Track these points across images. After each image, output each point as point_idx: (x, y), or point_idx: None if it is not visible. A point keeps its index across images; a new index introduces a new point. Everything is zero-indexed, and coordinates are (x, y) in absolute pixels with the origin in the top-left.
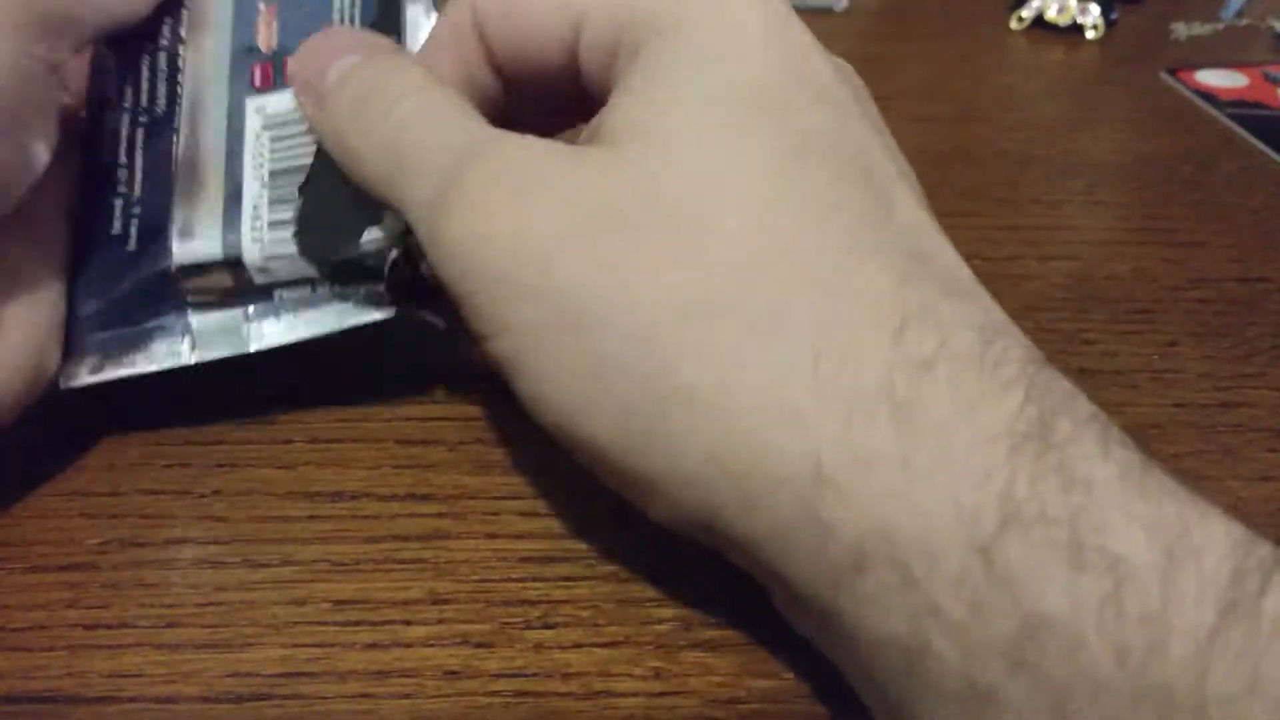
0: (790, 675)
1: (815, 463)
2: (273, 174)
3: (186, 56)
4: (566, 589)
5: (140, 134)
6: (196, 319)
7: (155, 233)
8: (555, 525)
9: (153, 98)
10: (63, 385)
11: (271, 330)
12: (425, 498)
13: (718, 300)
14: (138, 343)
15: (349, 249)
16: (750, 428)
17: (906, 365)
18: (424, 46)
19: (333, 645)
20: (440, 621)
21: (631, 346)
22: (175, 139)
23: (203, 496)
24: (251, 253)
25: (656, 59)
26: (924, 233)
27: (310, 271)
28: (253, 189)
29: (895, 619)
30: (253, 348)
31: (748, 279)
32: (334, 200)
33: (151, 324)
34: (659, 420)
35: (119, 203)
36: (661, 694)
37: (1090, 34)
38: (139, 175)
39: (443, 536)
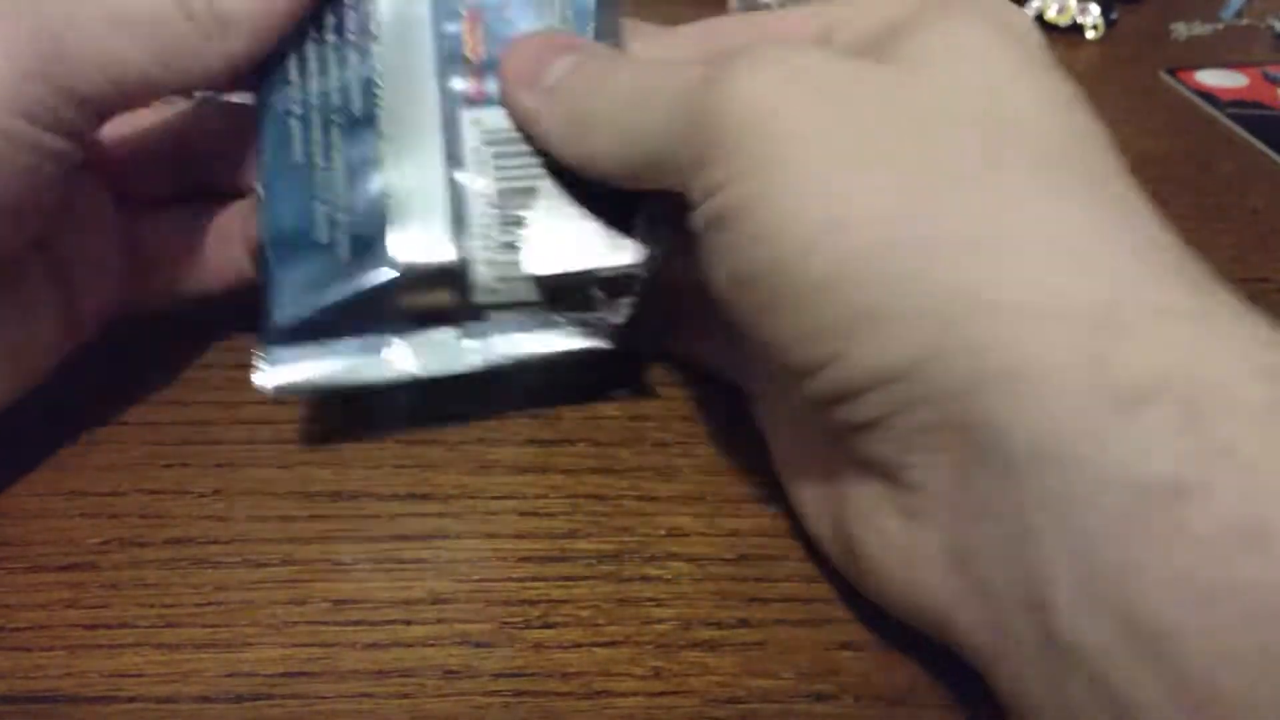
0: (789, 675)
1: (1106, 302)
2: (501, 193)
3: (380, 55)
4: (566, 589)
5: (336, 135)
6: (410, 335)
7: (370, 244)
8: (555, 525)
9: (345, 97)
10: (273, 390)
11: (485, 350)
12: (425, 497)
13: (997, 155)
14: (349, 353)
15: (587, 274)
16: (1027, 266)
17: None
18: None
19: (333, 645)
20: (440, 621)
21: (892, 194)
22: (378, 144)
23: (202, 496)
24: (483, 273)
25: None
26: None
27: (535, 296)
28: (479, 207)
29: (1163, 459)
30: (464, 367)
31: (1037, 151)
32: (568, 225)
33: (364, 337)
34: (909, 256)
35: (322, 208)
36: (660, 694)
37: (1090, 34)
38: (341, 180)
39: (442, 536)
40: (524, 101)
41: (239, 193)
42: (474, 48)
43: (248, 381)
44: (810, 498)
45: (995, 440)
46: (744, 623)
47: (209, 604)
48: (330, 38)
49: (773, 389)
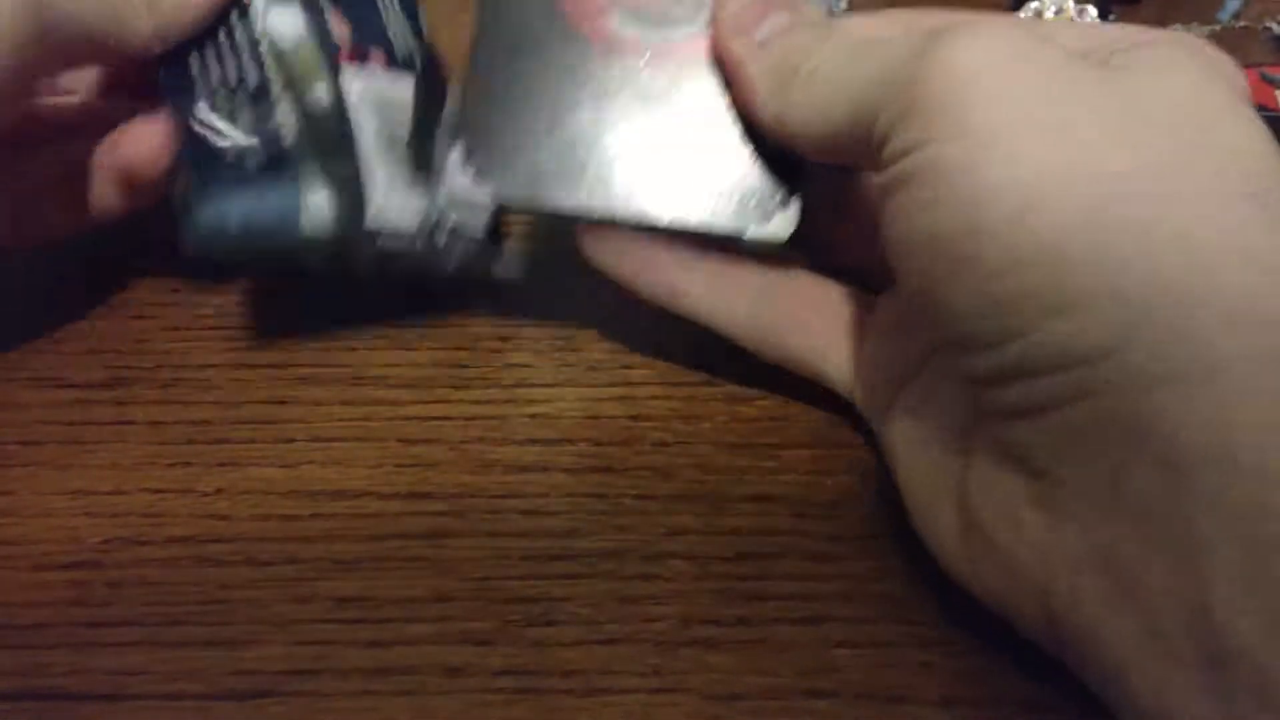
0: (788, 673)
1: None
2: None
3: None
4: (567, 587)
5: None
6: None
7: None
8: (555, 524)
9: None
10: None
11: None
12: (427, 496)
13: (1205, 169)
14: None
15: (735, 234)
16: (1228, 272)
17: None
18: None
19: (335, 643)
20: (442, 619)
21: (1106, 181)
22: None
23: (205, 495)
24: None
25: None
26: None
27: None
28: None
29: None
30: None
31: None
32: (723, 178)
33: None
34: (1118, 241)
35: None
36: (660, 691)
37: None
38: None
39: (444, 535)
40: (734, 49)
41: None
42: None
43: (250, 381)
44: (930, 477)
45: (1167, 441)
46: (743, 621)
47: (212, 602)
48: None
49: (908, 349)
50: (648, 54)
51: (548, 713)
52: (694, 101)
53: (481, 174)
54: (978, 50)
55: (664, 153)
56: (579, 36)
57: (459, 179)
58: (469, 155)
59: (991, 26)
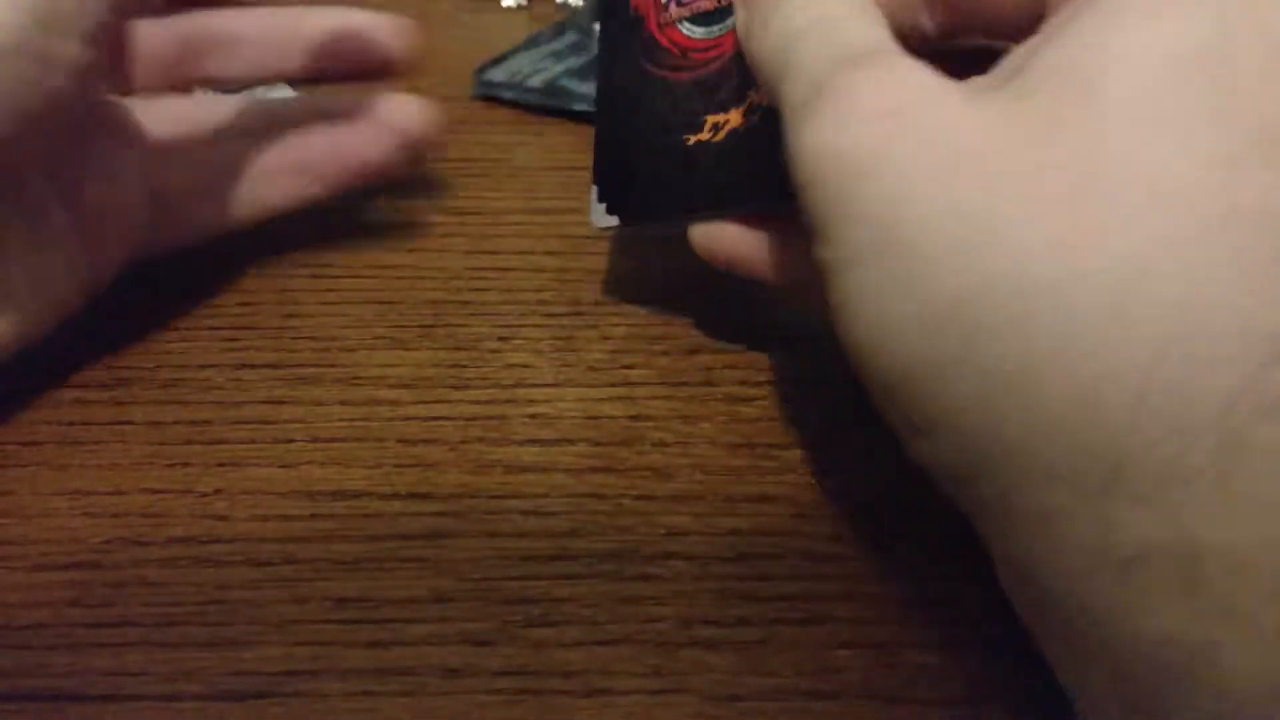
0: (789, 673)
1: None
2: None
3: None
4: (567, 587)
5: None
6: None
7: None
8: (555, 524)
9: None
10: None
11: None
12: (426, 496)
13: (1081, 277)
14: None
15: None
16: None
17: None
18: None
19: (334, 643)
20: (441, 620)
21: (988, 303)
22: None
23: (205, 495)
24: None
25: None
26: None
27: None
28: None
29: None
30: None
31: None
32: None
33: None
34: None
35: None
36: (660, 691)
37: None
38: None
39: (444, 535)
40: (740, 12)
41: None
42: None
43: (249, 381)
44: None
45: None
46: (743, 621)
47: (211, 603)
48: None
49: None
50: (714, 49)
51: (548, 713)
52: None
53: (611, 209)
54: (846, 137)
55: (742, 139)
56: (659, 52)
57: (598, 213)
58: (600, 195)
59: (861, 96)
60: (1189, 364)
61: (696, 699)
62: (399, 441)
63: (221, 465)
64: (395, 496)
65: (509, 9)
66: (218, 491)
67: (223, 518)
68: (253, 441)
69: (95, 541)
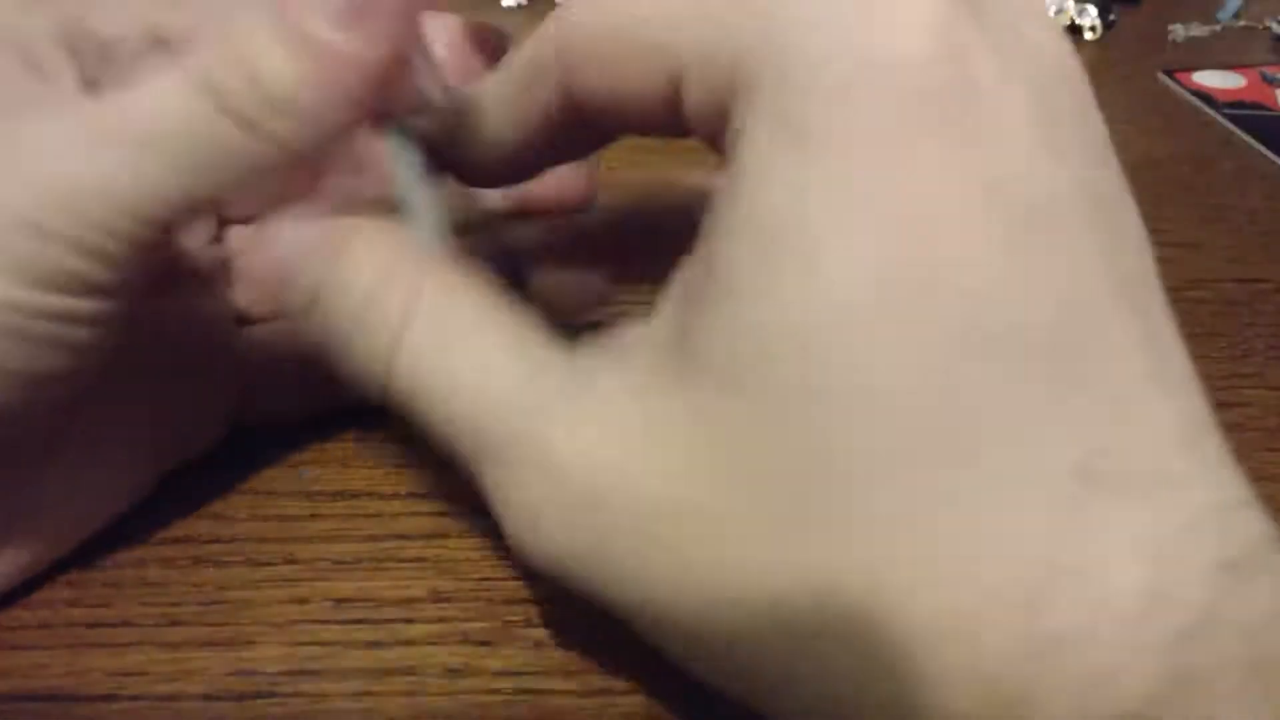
0: None
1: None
2: None
3: None
4: None
5: None
6: None
7: None
8: None
9: None
10: None
11: None
12: (426, 496)
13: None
14: None
15: None
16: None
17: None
18: (497, 80)
19: (334, 643)
20: (441, 620)
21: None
22: None
23: (204, 495)
24: None
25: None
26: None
27: None
28: None
29: None
30: None
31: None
32: None
33: None
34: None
35: None
36: (660, 692)
37: (1088, 35)
38: None
39: (444, 535)
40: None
41: None
42: None
43: None
44: None
45: None
46: None
47: (211, 603)
48: None
49: None
50: None
51: (548, 713)
52: None
53: None
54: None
55: None
56: None
57: None
58: None
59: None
60: None
61: (697, 699)
62: (399, 441)
63: (221, 465)
64: (395, 496)
65: (509, 9)
66: (217, 491)
67: (222, 517)
68: (252, 441)
69: (94, 541)
